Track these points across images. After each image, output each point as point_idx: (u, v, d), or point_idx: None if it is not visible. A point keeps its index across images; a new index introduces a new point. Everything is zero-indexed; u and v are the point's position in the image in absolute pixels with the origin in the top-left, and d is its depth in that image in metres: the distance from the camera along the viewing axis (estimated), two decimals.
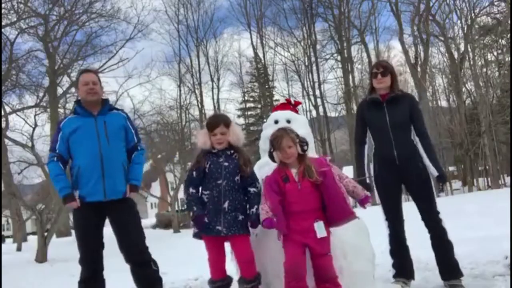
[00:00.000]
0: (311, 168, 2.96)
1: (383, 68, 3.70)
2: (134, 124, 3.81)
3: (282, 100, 4.03)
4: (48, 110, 17.46)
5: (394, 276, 3.68)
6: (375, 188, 3.74)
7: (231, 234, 3.11)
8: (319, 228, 2.89)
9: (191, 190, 3.19)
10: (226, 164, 3.19)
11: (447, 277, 3.51)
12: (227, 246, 3.22)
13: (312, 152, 3.69)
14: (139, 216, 3.65)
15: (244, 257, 3.14)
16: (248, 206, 3.19)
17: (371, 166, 3.78)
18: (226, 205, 3.13)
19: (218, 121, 3.27)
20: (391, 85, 3.68)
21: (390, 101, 3.66)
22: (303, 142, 3.03)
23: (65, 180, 3.38)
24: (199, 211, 3.11)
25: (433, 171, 3.58)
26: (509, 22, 24.63)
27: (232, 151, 3.25)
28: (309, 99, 32.43)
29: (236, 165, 3.20)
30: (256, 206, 3.13)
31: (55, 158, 3.40)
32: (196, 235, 3.21)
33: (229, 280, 3.25)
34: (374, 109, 3.70)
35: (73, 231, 24.73)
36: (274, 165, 3.27)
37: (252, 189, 3.21)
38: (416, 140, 3.66)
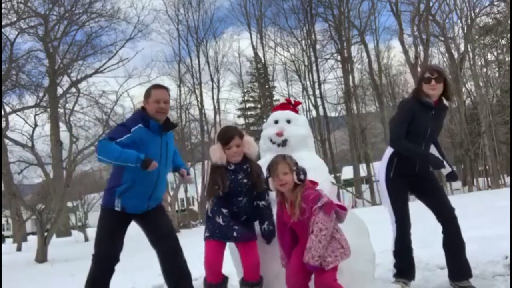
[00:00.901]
0: (296, 203, 2.79)
1: (438, 73, 3.44)
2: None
3: (282, 100, 4.01)
4: (48, 110, 17.45)
5: (395, 276, 3.67)
6: (386, 189, 3.63)
7: (246, 240, 3.14)
8: None
9: (224, 211, 3.15)
10: (245, 181, 3.18)
11: (458, 278, 3.44)
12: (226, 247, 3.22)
13: (311, 151, 3.70)
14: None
15: (251, 263, 3.14)
16: (259, 221, 3.20)
17: (385, 165, 3.65)
18: (243, 218, 3.20)
19: (233, 134, 3.19)
20: (444, 92, 3.51)
21: (437, 111, 3.52)
22: (300, 171, 2.84)
23: (133, 150, 3.19)
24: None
25: (446, 169, 3.58)
26: (509, 22, 24.65)
27: (247, 166, 3.22)
28: (309, 99, 32.47)
29: (253, 181, 3.19)
30: (267, 222, 3.15)
31: (114, 143, 3.19)
32: (210, 238, 3.16)
33: (225, 283, 3.23)
34: (422, 112, 3.47)
35: (73, 231, 24.76)
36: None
37: (261, 203, 3.20)
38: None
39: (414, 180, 3.57)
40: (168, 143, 3.45)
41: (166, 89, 3.50)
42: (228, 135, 3.18)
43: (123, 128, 3.32)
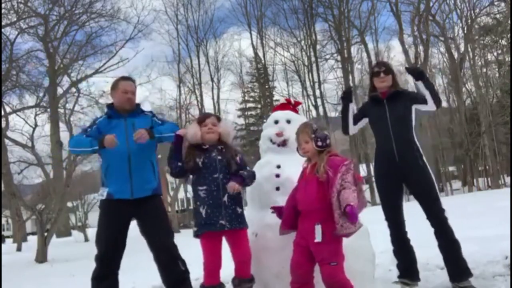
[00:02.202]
0: (321, 164, 2.87)
1: (384, 67, 3.73)
2: (161, 118, 3.86)
3: (282, 100, 4.02)
4: (48, 110, 17.45)
5: (399, 277, 3.69)
6: (375, 187, 3.74)
7: (233, 228, 3.11)
8: (317, 232, 2.78)
9: (201, 194, 3.17)
10: (220, 157, 3.20)
11: (457, 279, 3.45)
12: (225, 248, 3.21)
13: None
14: (166, 214, 3.68)
15: (243, 257, 3.13)
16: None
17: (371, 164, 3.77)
18: (225, 198, 3.14)
19: (209, 114, 3.44)
20: (392, 84, 3.71)
21: (390, 97, 3.66)
22: (317, 138, 2.95)
23: (89, 137, 3.45)
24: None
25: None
26: (509, 22, 24.65)
27: (221, 146, 3.26)
28: (309, 99, 32.45)
29: (228, 159, 3.21)
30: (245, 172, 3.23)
31: (84, 135, 3.51)
32: (197, 233, 3.16)
33: (221, 287, 3.18)
34: (376, 106, 3.72)
35: (73, 231, 24.76)
36: (274, 165, 3.27)
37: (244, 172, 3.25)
38: (415, 139, 3.61)
39: (401, 169, 3.54)
40: (134, 124, 3.47)
41: (133, 81, 3.71)
42: (205, 115, 3.43)
43: (91, 123, 3.64)
